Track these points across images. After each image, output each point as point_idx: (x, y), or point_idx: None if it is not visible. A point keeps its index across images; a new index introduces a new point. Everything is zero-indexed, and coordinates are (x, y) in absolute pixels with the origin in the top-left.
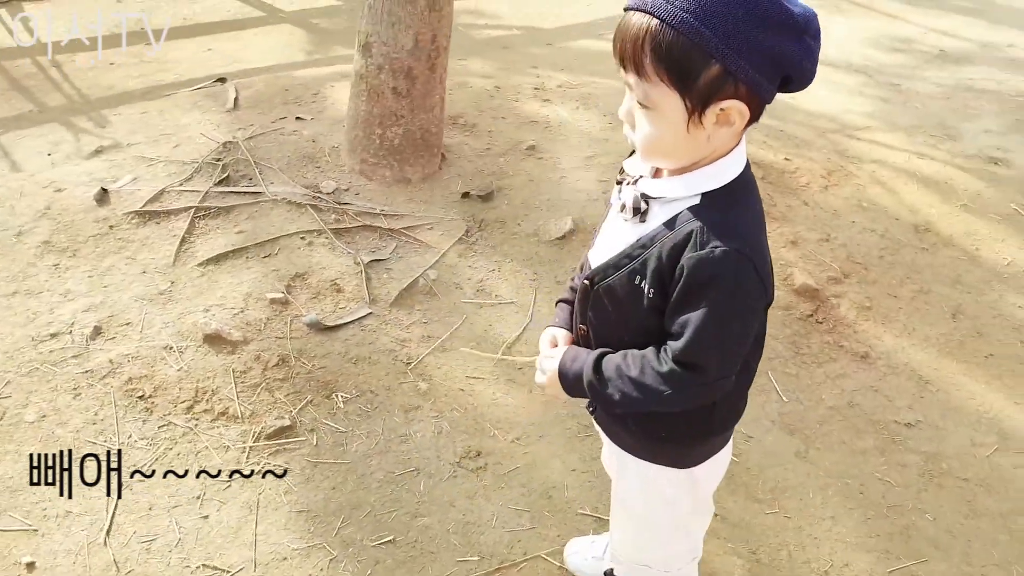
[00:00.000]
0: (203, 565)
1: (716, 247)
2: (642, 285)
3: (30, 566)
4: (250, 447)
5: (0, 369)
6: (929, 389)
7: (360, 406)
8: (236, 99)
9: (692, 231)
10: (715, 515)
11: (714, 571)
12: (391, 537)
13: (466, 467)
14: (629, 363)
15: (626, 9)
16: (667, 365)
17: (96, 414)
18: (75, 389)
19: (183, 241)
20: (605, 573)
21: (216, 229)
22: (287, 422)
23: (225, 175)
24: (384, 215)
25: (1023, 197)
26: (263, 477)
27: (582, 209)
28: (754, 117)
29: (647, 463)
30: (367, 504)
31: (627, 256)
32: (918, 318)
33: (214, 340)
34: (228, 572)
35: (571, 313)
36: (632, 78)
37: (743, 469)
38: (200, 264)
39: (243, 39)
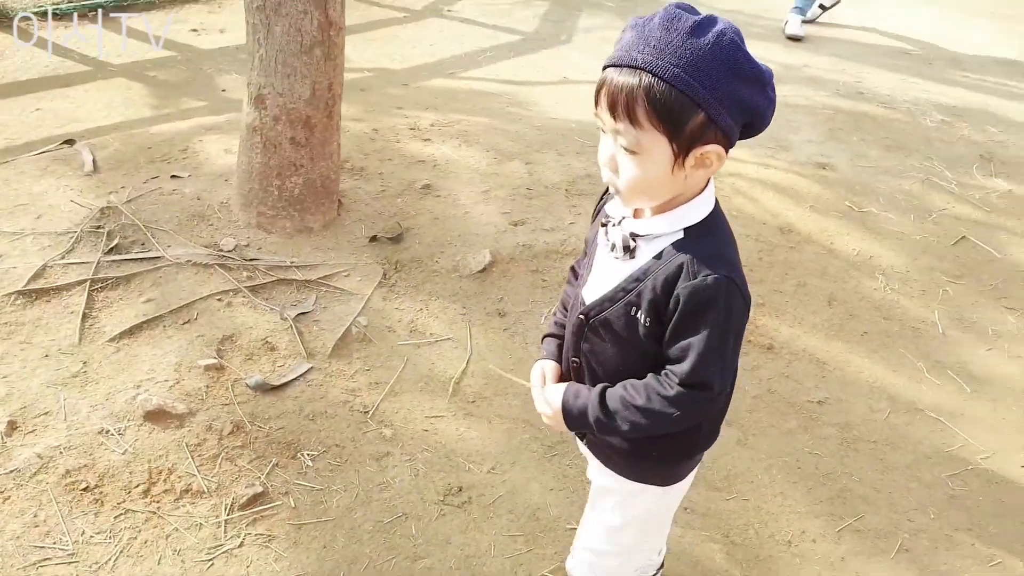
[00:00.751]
0: None
1: (708, 275)
2: (638, 315)
3: None
4: (225, 520)
5: None
6: (827, 368)
7: (329, 461)
8: (94, 161)
9: (683, 263)
10: (684, 508)
11: (697, 559)
12: None
13: (451, 503)
14: (632, 393)
15: (610, 66)
16: (673, 389)
17: (35, 516)
18: (2, 493)
19: (84, 317)
20: None
21: (119, 300)
22: (259, 488)
23: (114, 243)
24: (296, 267)
25: (851, 195)
26: (246, 548)
27: (495, 241)
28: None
29: (635, 483)
30: (364, 556)
31: (622, 290)
32: (802, 308)
33: (157, 416)
34: None
35: (559, 347)
36: (623, 125)
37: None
38: (112, 340)
39: (74, 96)
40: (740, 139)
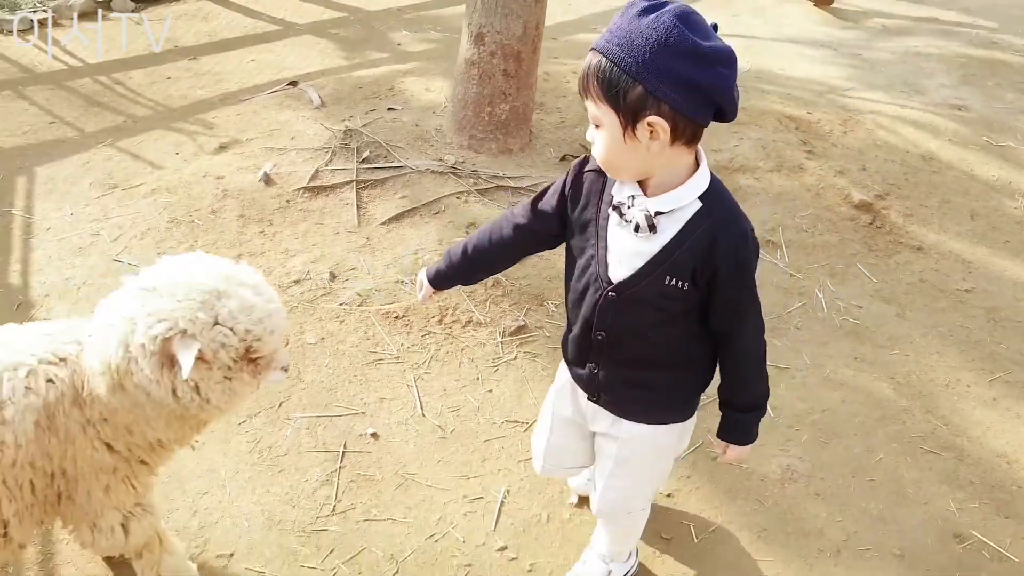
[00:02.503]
0: (505, 421)
1: (745, 228)
2: (675, 283)
3: (375, 436)
4: (500, 342)
5: None
6: (973, 266)
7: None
8: (320, 97)
9: (715, 227)
10: (856, 358)
11: (869, 392)
12: None
13: None
14: (755, 368)
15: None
16: (757, 334)
17: (365, 333)
18: (338, 318)
19: (358, 207)
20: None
21: (379, 197)
22: (522, 322)
23: (364, 155)
24: (508, 178)
25: (988, 132)
26: (518, 360)
27: None
28: (685, 135)
29: (655, 425)
30: None
31: (655, 263)
32: (947, 220)
33: None
34: (525, 423)
35: (448, 277)
36: (588, 102)
37: (863, 327)
38: (383, 223)
39: (275, 51)
40: (716, 120)
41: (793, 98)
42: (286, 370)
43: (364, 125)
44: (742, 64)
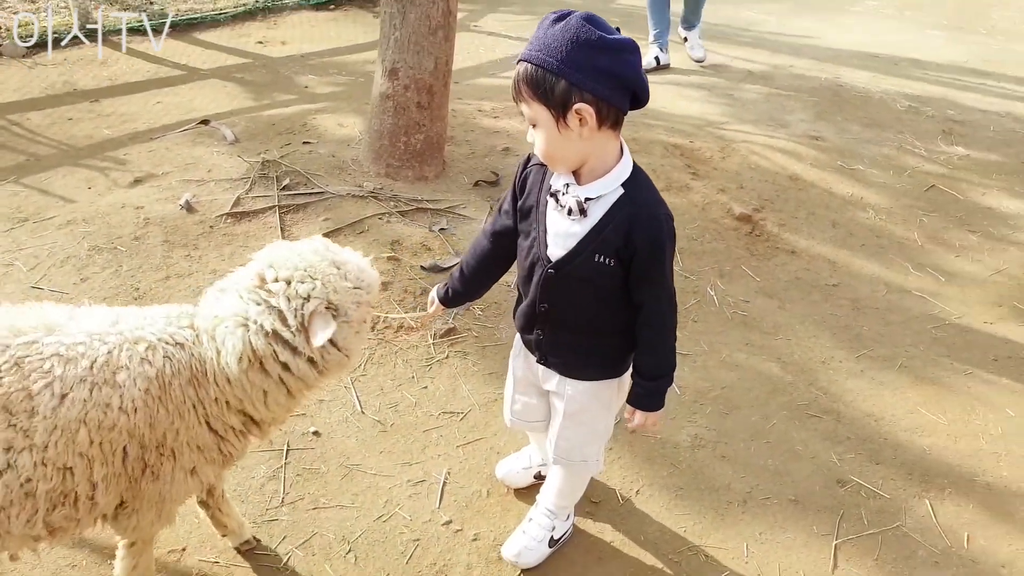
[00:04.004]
0: (442, 412)
1: (657, 217)
2: (602, 260)
3: (316, 433)
4: (433, 343)
5: None
6: (837, 266)
7: (492, 312)
8: (234, 134)
9: (634, 212)
10: (746, 344)
11: (760, 370)
12: None
13: None
14: (662, 338)
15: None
16: (668, 306)
17: None
18: None
19: (282, 230)
20: (535, 476)
21: (303, 220)
22: (451, 324)
23: (284, 183)
24: (427, 201)
25: (841, 157)
26: (450, 359)
27: None
28: (609, 119)
29: (597, 381)
30: None
31: (584, 243)
32: (813, 228)
33: None
34: (461, 414)
35: (456, 295)
36: (521, 106)
37: (751, 318)
38: None
39: (181, 93)
40: (634, 107)
41: (676, 130)
42: None
43: (282, 157)
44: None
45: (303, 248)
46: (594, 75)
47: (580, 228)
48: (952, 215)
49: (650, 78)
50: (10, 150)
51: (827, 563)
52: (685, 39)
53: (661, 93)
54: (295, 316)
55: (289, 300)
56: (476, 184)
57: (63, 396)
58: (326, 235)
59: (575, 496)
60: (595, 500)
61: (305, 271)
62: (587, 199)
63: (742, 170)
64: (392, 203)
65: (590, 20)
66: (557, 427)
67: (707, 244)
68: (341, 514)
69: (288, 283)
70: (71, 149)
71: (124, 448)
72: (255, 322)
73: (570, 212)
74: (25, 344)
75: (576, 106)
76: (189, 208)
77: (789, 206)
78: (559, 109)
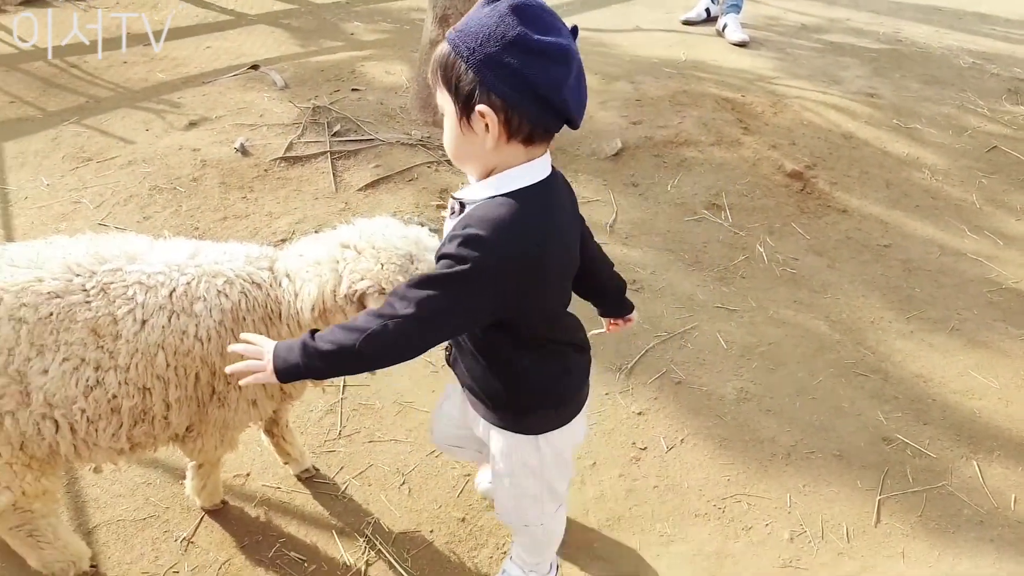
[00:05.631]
0: None
1: (466, 234)
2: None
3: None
4: None
5: None
6: (889, 226)
7: None
8: (284, 79)
9: (460, 222)
10: (794, 301)
11: (808, 328)
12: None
13: (630, 288)
14: (343, 332)
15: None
16: (382, 322)
17: None
18: None
19: (334, 175)
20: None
21: (354, 166)
22: None
23: (335, 129)
24: None
25: (898, 116)
26: None
27: (623, 133)
28: (520, 132)
29: (512, 438)
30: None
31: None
32: (866, 188)
33: None
34: None
35: None
36: (436, 92)
37: (799, 276)
38: (360, 189)
39: (230, 39)
40: (571, 127)
41: (727, 84)
42: None
43: (331, 103)
44: (678, 55)
45: (397, 231)
46: (504, 76)
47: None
48: (1015, 178)
49: (699, 30)
50: (71, 92)
51: (870, 517)
52: (724, 26)
53: (711, 46)
54: (349, 287)
55: (351, 272)
56: None
57: (144, 322)
58: (376, 182)
59: (541, 554)
60: (641, 446)
61: (379, 252)
62: (461, 202)
63: (794, 126)
64: (440, 152)
65: (519, 11)
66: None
67: (757, 200)
68: (395, 448)
69: (358, 255)
70: (127, 92)
71: (196, 374)
72: (326, 278)
73: (452, 212)
74: (110, 271)
75: (479, 107)
76: (244, 151)
77: (842, 164)
78: (464, 106)
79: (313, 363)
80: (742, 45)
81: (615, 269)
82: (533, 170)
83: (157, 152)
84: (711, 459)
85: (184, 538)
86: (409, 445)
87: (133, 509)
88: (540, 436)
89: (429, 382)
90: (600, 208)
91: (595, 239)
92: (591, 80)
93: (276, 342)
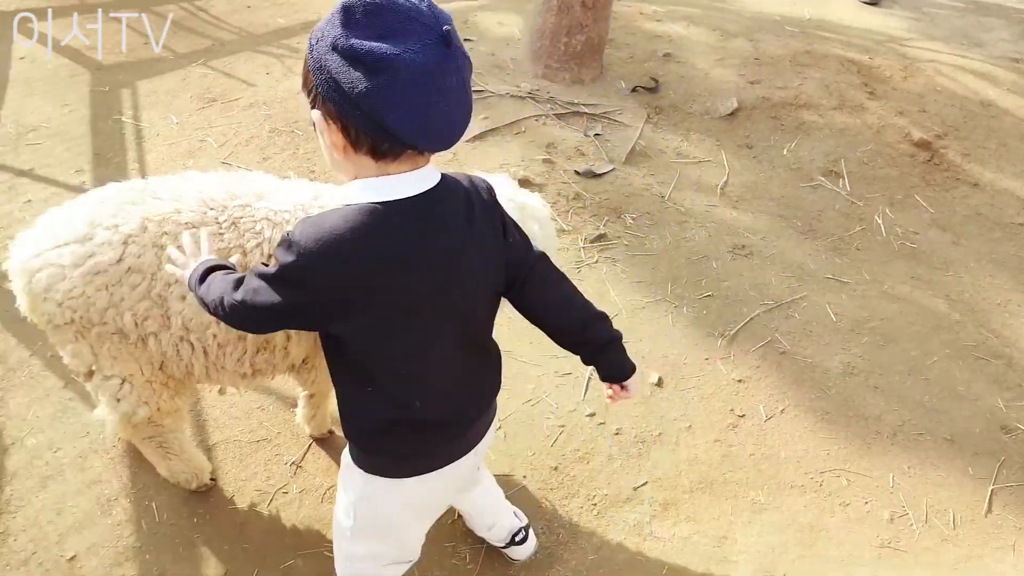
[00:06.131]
0: None
1: (285, 236)
2: None
3: None
4: (583, 247)
5: None
6: None
7: (643, 222)
8: None
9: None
10: (913, 277)
11: (925, 306)
12: (709, 293)
13: (739, 254)
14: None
15: None
16: (222, 303)
17: None
18: None
19: None
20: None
21: None
22: (602, 231)
23: None
24: (583, 105)
25: None
26: (599, 264)
27: (739, 92)
28: (363, 145)
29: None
30: (682, 276)
31: None
32: (1004, 161)
33: (523, 183)
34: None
35: None
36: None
37: (920, 251)
38: (468, 141)
39: None
40: (438, 149)
41: (854, 45)
42: None
43: None
44: (802, 12)
45: (508, 192)
46: (328, 83)
47: None
48: None
49: None
50: (199, 35)
51: (980, 506)
52: None
53: (839, 3)
54: None
55: None
56: (634, 90)
57: (270, 257)
58: (484, 134)
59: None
60: (739, 414)
61: None
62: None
63: (926, 92)
64: (549, 105)
65: (345, 10)
66: None
67: (878, 169)
68: None
69: None
70: (249, 36)
71: None
72: None
73: None
74: (240, 206)
75: (312, 112)
76: None
77: (977, 134)
78: (311, 108)
79: (196, 295)
80: (873, 3)
81: (607, 316)
82: (396, 185)
83: (277, 96)
84: (811, 432)
85: (293, 462)
86: (506, 393)
87: (248, 431)
88: (359, 469)
89: (527, 334)
90: (711, 169)
91: (569, 280)
92: (707, 36)
93: (207, 259)
